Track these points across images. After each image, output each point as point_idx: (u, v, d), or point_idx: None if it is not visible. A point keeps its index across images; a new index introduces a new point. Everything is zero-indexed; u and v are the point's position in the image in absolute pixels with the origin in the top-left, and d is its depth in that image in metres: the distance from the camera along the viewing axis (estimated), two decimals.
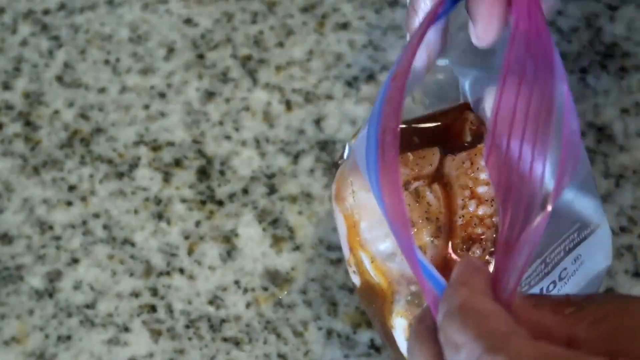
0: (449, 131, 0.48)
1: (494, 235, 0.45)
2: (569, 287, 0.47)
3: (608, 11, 0.64)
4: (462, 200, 0.46)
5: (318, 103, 0.62)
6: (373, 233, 0.47)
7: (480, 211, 0.46)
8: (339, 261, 0.57)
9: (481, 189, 0.46)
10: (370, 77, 0.62)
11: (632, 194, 0.58)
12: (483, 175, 0.46)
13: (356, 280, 0.49)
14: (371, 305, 0.48)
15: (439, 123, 0.48)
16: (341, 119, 0.61)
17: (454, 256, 0.46)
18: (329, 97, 0.62)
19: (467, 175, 0.46)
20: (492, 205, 0.45)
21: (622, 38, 0.63)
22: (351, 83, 0.62)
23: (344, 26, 0.64)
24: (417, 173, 0.46)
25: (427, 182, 0.46)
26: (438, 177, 0.46)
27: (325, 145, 0.60)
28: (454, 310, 0.33)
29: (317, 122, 0.61)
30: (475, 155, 0.46)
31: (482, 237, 0.45)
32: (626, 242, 0.57)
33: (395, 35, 0.63)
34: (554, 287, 0.46)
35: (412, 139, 0.47)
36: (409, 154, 0.46)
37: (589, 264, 0.48)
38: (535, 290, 0.45)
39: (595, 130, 0.60)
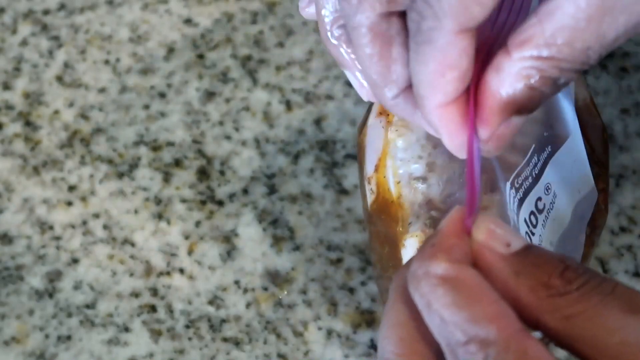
0: None
1: (541, 148, 0.46)
2: (551, 225, 0.47)
3: None
4: None
5: (318, 103, 0.62)
6: (408, 152, 0.47)
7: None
8: (339, 261, 0.57)
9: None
10: None
11: (632, 194, 0.58)
12: None
13: (370, 198, 0.49)
14: (377, 225, 0.48)
15: None
16: (341, 119, 0.61)
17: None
18: (329, 97, 0.62)
19: None
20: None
21: None
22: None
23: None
24: None
25: None
26: None
27: (325, 145, 0.60)
28: (436, 279, 0.33)
29: (317, 122, 0.61)
30: None
31: (533, 145, 0.46)
32: (626, 242, 0.57)
33: None
34: (536, 220, 0.46)
35: None
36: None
37: (563, 196, 0.47)
38: (521, 219, 0.45)
39: None
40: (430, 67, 0.35)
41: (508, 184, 0.45)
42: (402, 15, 0.37)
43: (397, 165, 0.48)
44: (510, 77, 0.35)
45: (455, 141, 0.37)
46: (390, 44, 0.38)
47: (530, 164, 0.46)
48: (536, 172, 0.46)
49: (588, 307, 0.32)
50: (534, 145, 0.46)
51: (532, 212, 0.46)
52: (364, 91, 0.43)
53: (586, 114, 0.50)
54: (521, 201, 0.45)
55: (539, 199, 0.46)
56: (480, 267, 0.33)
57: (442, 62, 0.35)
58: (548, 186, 0.46)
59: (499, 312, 0.32)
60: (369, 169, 0.49)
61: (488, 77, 0.35)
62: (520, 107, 0.35)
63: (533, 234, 0.45)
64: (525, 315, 0.33)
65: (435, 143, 0.47)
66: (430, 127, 0.38)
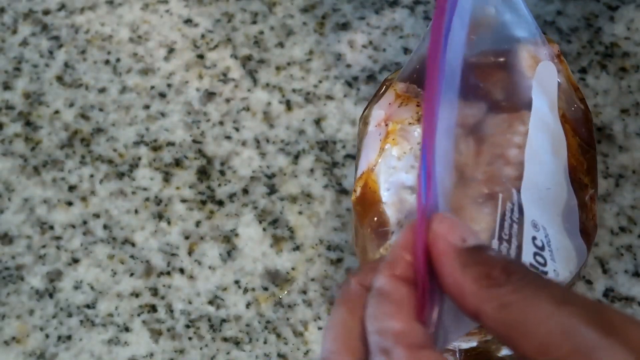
0: (496, 85, 0.49)
1: (509, 195, 0.46)
2: (559, 254, 0.47)
3: (608, 11, 0.64)
4: (491, 157, 0.47)
5: (318, 103, 0.62)
6: (402, 162, 0.48)
7: (505, 171, 0.47)
8: (339, 261, 0.57)
9: (512, 152, 0.47)
10: (370, 77, 0.62)
11: (632, 194, 0.58)
12: (517, 139, 0.46)
13: (354, 196, 0.49)
14: (360, 220, 0.49)
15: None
16: (341, 119, 0.61)
17: (467, 206, 0.46)
18: (329, 97, 0.62)
19: (502, 136, 0.47)
20: (517, 170, 0.46)
21: (621, 38, 0.63)
22: (351, 83, 0.62)
23: (344, 26, 0.64)
24: (460, 121, 0.47)
25: (465, 132, 0.47)
26: (475, 130, 0.47)
27: (325, 145, 0.60)
28: (373, 292, 0.36)
29: (317, 122, 0.61)
30: (516, 119, 0.47)
31: (499, 194, 0.46)
32: (626, 242, 0.57)
33: (395, 35, 0.63)
34: (544, 259, 0.46)
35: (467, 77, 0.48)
36: (459, 99, 0.47)
37: (550, 220, 0.47)
38: (527, 266, 0.45)
39: (595, 130, 0.60)
40: None
41: (495, 241, 0.45)
42: None
43: (389, 173, 0.48)
44: None
45: None
46: None
47: (506, 213, 0.46)
48: (517, 216, 0.46)
49: (522, 297, 0.34)
50: (500, 196, 0.46)
51: (535, 253, 0.46)
52: None
53: (567, 99, 0.51)
54: (519, 248, 0.45)
55: (534, 237, 0.46)
56: (433, 256, 0.36)
57: None
58: (534, 222, 0.46)
59: (406, 329, 0.35)
60: (359, 172, 0.50)
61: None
62: None
63: (547, 272, 0.45)
64: (467, 304, 0.35)
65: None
66: None
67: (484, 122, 0.48)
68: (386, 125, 0.49)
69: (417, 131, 0.49)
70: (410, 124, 0.49)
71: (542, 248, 0.46)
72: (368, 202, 0.49)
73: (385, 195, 0.48)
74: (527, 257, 0.45)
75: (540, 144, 0.48)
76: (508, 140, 0.48)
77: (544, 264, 0.45)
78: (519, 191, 0.47)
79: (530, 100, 0.48)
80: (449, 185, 0.38)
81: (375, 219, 0.48)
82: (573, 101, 0.51)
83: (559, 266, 0.46)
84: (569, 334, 0.33)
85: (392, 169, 0.48)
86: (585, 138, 0.51)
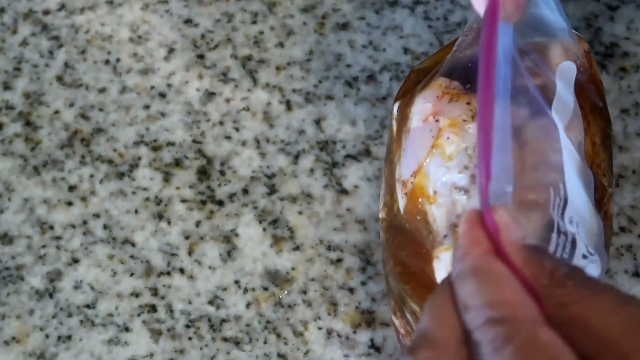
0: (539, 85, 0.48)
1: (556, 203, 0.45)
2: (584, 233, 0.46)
3: (608, 11, 0.64)
4: (535, 163, 0.46)
5: (318, 103, 0.62)
6: (455, 161, 0.47)
7: (550, 178, 0.46)
8: (339, 261, 0.57)
9: (554, 158, 0.46)
10: (370, 77, 0.62)
11: (632, 194, 0.58)
12: (557, 145, 0.46)
13: (402, 204, 0.48)
14: (403, 234, 0.48)
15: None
16: (341, 119, 0.61)
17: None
18: (329, 97, 0.62)
19: (544, 141, 0.46)
20: (561, 175, 0.45)
21: (621, 38, 0.63)
22: (351, 83, 0.62)
23: (344, 26, 0.64)
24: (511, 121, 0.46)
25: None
26: (517, 134, 0.46)
27: (325, 145, 0.60)
28: (465, 272, 0.35)
29: (317, 122, 0.61)
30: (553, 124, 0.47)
31: (539, 202, 0.45)
32: (626, 242, 0.57)
33: (395, 35, 0.63)
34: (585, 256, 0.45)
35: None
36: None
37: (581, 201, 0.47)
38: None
39: None
40: None
41: (554, 235, 0.44)
42: None
43: (441, 172, 0.47)
44: None
45: None
46: None
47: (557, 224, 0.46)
48: (564, 228, 0.46)
49: (583, 297, 0.34)
50: (550, 202, 0.46)
51: (585, 245, 0.46)
52: None
53: (593, 95, 0.50)
54: (573, 243, 0.45)
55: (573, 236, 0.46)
56: (495, 247, 0.35)
57: None
58: (570, 219, 0.46)
59: (517, 300, 0.33)
60: (405, 172, 0.48)
61: None
62: None
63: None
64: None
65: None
66: None
67: (526, 125, 0.47)
68: (436, 121, 0.48)
69: (472, 129, 0.47)
70: (464, 121, 0.48)
71: (585, 257, 0.46)
72: (419, 207, 0.47)
73: (435, 196, 0.47)
74: (581, 249, 0.45)
75: (568, 152, 0.47)
76: (551, 146, 0.47)
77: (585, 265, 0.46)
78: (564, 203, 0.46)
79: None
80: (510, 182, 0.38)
81: (432, 224, 0.47)
82: (597, 98, 0.51)
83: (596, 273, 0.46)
84: (631, 332, 0.32)
85: (444, 169, 0.47)
86: (606, 133, 0.50)
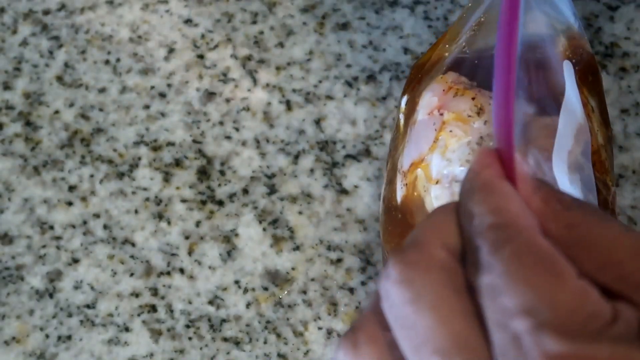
0: (541, 84, 0.48)
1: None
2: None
3: (608, 11, 0.64)
4: (536, 161, 0.46)
5: (318, 103, 0.62)
6: (457, 154, 0.47)
7: (550, 175, 0.46)
8: (339, 261, 0.57)
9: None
10: (370, 77, 0.62)
11: (632, 194, 0.58)
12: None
13: (401, 193, 0.48)
14: (400, 225, 0.48)
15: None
16: (341, 119, 0.61)
17: None
18: (329, 97, 0.62)
19: (546, 139, 0.47)
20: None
21: (621, 38, 0.63)
22: (351, 83, 0.62)
23: (344, 26, 0.64)
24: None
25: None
26: (521, 132, 0.47)
27: (325, 145, 0.60)
28: (475, 187, 0.35)
29: (317, 122, 0.61)
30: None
31: None
32: None
33: (395, 35, 0.63)
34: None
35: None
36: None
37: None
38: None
39: None
40: None
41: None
42: None
43: (442, 165, 0.47)
44: None
45: None
46: None
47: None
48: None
49: (591, 221, 0.34)
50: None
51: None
52: None
53: (591, 69, 0.50)
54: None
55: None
56: (507, 173, 0.36)
57: None
58: None
59: (521, 211, 0.34)
60: (407, 163, 0.48)
61: None
62: None
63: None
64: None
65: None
66: None
67: (529, 124, 0.47)
68: (441, 114, 0.48)
69: (476, 124, 0.48)
70: (469, 116, 0.48)
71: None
72: (417, 198, 0.48)
73: (436, 188, 0.47)
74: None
75: (568, 138, 0.47)
76: (552, 145, 0.47)
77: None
78: None
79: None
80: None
81: (420, 212, 0.47)
82: (598, 92, 0.51)
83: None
84: (637, 254, 0.33)
85: (446, 161, 0.47)
86: (607, 127, 0.50)
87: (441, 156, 0.47)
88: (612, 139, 0.52)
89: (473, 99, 0.48)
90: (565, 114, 0.47)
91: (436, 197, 0.47)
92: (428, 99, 0.49)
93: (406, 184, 0.48)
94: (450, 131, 0.47)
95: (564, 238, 0.34)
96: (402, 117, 0.50)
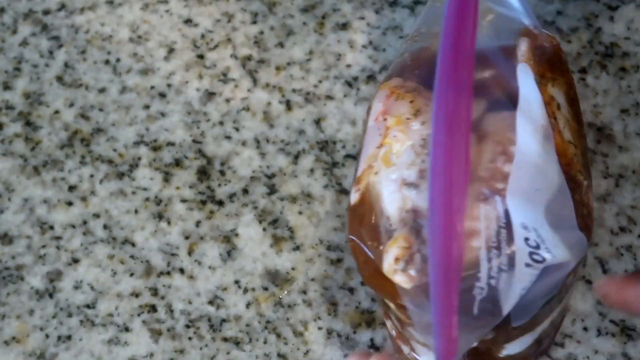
0: (496, 80, 0.49)
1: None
2: (557, 246, 0.47)
3: (608, 11, 0.64)
4: (492, 155, 0.47)
5: (318, 103, 0.62)
6: (403, 158, 0.48)
7: (506, 168, 0.47)
8: (339, 261, 0.57)
9: (514, 149, 0.47)
10: (370, 77, 0.62)
11: (632, 193, 0.58)
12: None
13: (354, 198, 0.49)
14: (359, 222, 0.49)
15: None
16: (341, 119, 0.61)
17: (470, 204, 0.46)
18: (329, 97, 0.62)
19: (504, 134, 0.47)
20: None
21: (621, 38, 0.63)
22: (351, 83, 0.62)
23: (344, 26, 0.64)
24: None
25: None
26: (475, 128, 0.47)
27: (325, 145, 0.60)
28: None
29: (317, 122, 0.61)
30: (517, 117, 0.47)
31: (502, 191, 0.46)
32: (626, 242, 0.57)
33: (395, 35, 0.63)
34: (542, 257, 0.46)
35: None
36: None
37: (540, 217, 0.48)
38: (522, 267, 0.45)
39: (595, 130, 0.60)
40: None
41: (483, 252, 0.45)
42: None
43: (390, 170, 0.48)
44: None
45: None
46: None
47: (491, 220, 0.46)
48: (504, 222, 0.46)
49: None
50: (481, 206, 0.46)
51: (531, 253, 0.45)
52: None
53: (556, 65, 0.50)
54: (511, 255, 0.45)
55: (527, 238, 0.46)
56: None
57: None
58: (524, 225, 0.46)
59: None
60: (360, 169, 0.49)
61: None
62: None
63: (548, 267, 0.45)
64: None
65: (429, 151, 0.47)
66: None
67: (484, 119, 0.48)
68: (384, 120, 0.49)
69: (414, 125, 0.49)
70: (407, 119, 0.49)
71: (537, 247, 0.46)
72: (368, 201, 0.49)
73: (385, 192, 0.48)
74: (523, 257, 0.45)
75: (528, 144, 0.48)
76: (509, 139, 0.48)
77: (542, 261, 0.45)
78: (504, 197, 0.47)
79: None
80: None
81: (374, 218, 0.48)
82: (567, 82, 0.51)
83: (559, 259, 0.46)
84: None
85: (394, 166, 0.48)
86: (578, 120, 0.51)
87: (388, 161, 0.48)
88: (584, 127, 0.52)
89: (411, 102, 0.49)
90: (522, 121, 0.48)
91: (386, 202, 0.48)
92: (375, 105, 0.50)
93: (358, 190, 0.49)
94: (395, 136, 0.48)
95: None
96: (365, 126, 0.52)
